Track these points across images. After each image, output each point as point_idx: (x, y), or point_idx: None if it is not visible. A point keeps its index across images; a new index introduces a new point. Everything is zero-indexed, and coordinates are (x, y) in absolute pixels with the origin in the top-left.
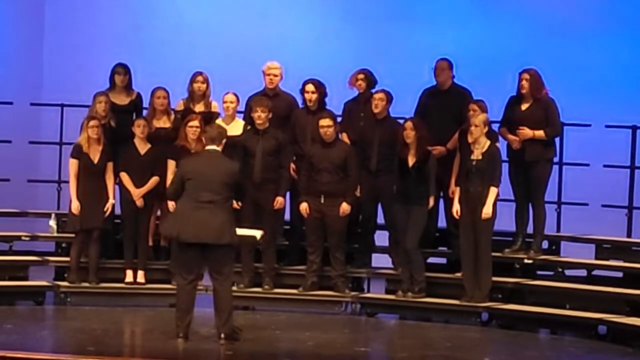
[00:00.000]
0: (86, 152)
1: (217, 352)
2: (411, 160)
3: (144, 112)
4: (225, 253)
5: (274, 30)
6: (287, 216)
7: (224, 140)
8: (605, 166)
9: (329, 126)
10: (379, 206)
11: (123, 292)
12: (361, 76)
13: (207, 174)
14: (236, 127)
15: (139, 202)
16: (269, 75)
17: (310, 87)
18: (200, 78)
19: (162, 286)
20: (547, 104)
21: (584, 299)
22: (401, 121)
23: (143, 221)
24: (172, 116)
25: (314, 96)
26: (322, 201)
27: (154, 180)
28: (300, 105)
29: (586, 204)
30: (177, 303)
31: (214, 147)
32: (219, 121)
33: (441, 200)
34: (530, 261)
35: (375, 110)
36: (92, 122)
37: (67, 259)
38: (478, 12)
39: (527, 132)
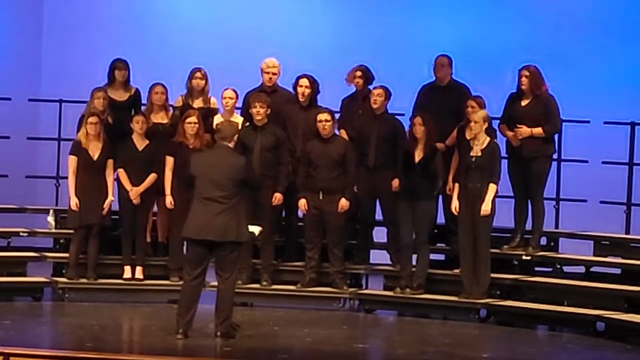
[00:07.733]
0: (85, 148)
1: (215, 348)
2: (418, 156)
3: (142, 108)
4: (230, 251)
5: (273, 26)
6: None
7: (235, 137)
8: (603, 163)
9: (327, 120)
10: (377, 202)
11: (121, 288)
12: (359, 73)
13: (214, 171)
14: None
15: (136, 201)
16: (267, 73)
17: (304, 82)
18: (198, 74)
19: (161, 282)
20: (546, 100)
21: (583, 296)
22: (399, 117)
23: (141, 217)
24: (170, 112)
25: (307, 91)
26: (321, 197)
27: (152, 177)
28: None
29: (585, 201)
30: (180, 299)
31: (225, 142)
32: (218, 117)
33: (440, 197)
34: (528, 257)
35: (374, 106)
36: (91, 119)
37: (66, 255)
38: (477, 7)
39: (524, 130)
